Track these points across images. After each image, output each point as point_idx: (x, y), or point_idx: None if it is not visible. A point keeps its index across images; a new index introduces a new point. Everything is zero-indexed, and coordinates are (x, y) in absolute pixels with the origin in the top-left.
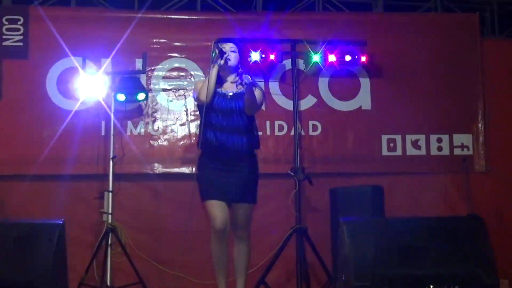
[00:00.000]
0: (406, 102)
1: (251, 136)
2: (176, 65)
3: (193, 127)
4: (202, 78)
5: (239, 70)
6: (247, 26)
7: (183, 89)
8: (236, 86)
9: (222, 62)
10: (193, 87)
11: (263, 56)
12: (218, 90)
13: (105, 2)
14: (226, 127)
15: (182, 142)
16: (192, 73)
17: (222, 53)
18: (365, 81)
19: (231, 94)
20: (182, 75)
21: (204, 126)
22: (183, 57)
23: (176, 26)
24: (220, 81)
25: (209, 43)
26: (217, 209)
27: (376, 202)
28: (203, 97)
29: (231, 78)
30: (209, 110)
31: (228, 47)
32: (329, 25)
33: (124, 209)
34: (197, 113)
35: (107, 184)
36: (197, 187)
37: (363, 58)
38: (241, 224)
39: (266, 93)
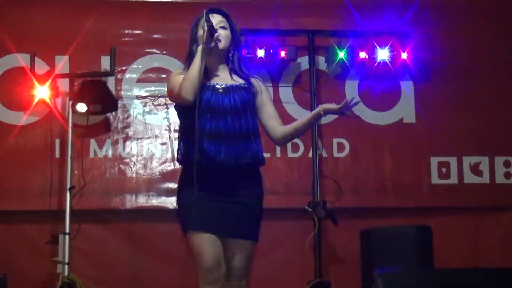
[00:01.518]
0: (463, 113)
1: (254, 145)
2: (155, 64)
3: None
4: (180, 70)
5: (230, 56)
6: (250, 12)
7: (165, 96)
8: (231, 76)
9: (213, 43)
10: (167, 86)
11: (271, 52)
12: (205, 82)
13: None
14: (217, 133)
15: (163, 167)
16: None
17: (212, 30)
18: (407, 85)
19: (222, 87)
20: (163, 78)
21: (186, 133)
22: (165, 54)
23: (156, 13)
24: (204, 71)
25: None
26: (207, 242)
27: (423, 248)
28: (186, 93)
29: (220, 67)
30: (192, 111)
31: (216, 21)
32: (360, 10)
33: (85, 257)
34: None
35: (62, 225)
36: (177, 213)
37: (405, 55)
38: (238, 270)
39: (276, 101)
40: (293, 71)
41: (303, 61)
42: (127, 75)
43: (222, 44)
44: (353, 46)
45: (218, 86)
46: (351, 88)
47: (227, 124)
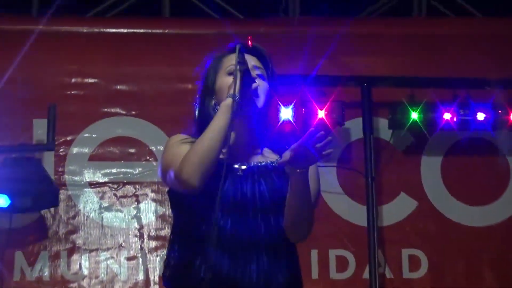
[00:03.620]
0: None
1: (291, 258)
2: (120, 132)
3: (154, 263)
4: (183, 136)
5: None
6: (268, 48)
7: (134, 182)
8: (261, 149)
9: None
10: (161, 159)
11: (304, 111)
12: (220, 159)
13: None
14: (236, 241)
15: None
16: (151, 148)
17: (248, 77)
18: None
19: (243, 167)
20: (132, 154)
21: (185, 240)
22: (134, 116)
23: (121, 51)
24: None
25: (189, 86)
26: None
27: None
28: (191, 174)
29: (244, 136)
30: (198, 203)
31: (250, 65)
32: (442, 45)
33: None
34: (162, 232)
35: None
36: None
37: None
38: None
39: None
40: (338, 143)
41: (354, 126)
42: (75, 150)
43: (260, 101)
44: (434, 101)
45: (236, 166)
46: (431, 168)
47: (249, 227)
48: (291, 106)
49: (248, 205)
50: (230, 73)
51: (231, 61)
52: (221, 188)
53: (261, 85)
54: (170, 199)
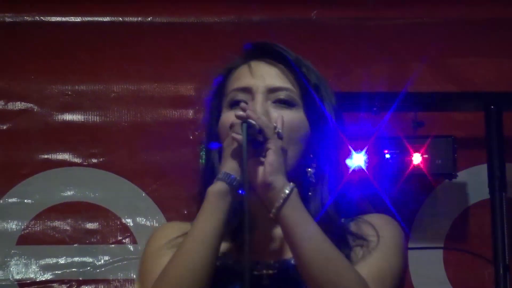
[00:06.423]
0: None
1: None
2: (71, 195)
3: None
4: (178, 224)
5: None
6: (330, 52)
7: (98, 281)
8: None
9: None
10: (139, 268)
11: (386, 155)
12: (224, 261)
13: None
14: None
15: None
16: (125, 222)
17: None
18: None
19: (270, 272)
20: (93, 232)
21: None
22: (94, 166)
23: (64, 53)
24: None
25: (189, 113)
26: None
27: None
28: None
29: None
30: None
31: (262, 83)
32: None
33: None
34: None
35: None
36: None
37: None
38: None
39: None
40: (446, 208)
41: (474, 180)
42: None
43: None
44: None
45: (262, 272)
46: None
47: None
48: (363, 151)
49: None
50: (232, 103)
51: (237, 81)
52: None
53: (288, 129)
54: None
